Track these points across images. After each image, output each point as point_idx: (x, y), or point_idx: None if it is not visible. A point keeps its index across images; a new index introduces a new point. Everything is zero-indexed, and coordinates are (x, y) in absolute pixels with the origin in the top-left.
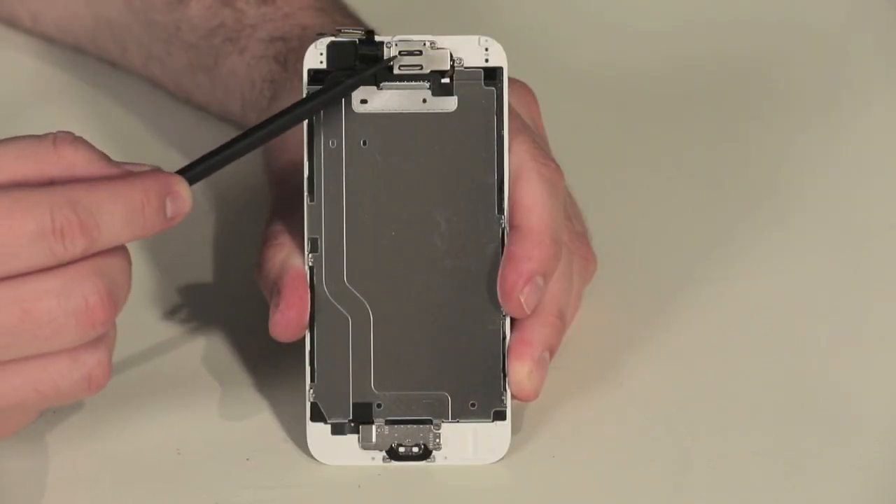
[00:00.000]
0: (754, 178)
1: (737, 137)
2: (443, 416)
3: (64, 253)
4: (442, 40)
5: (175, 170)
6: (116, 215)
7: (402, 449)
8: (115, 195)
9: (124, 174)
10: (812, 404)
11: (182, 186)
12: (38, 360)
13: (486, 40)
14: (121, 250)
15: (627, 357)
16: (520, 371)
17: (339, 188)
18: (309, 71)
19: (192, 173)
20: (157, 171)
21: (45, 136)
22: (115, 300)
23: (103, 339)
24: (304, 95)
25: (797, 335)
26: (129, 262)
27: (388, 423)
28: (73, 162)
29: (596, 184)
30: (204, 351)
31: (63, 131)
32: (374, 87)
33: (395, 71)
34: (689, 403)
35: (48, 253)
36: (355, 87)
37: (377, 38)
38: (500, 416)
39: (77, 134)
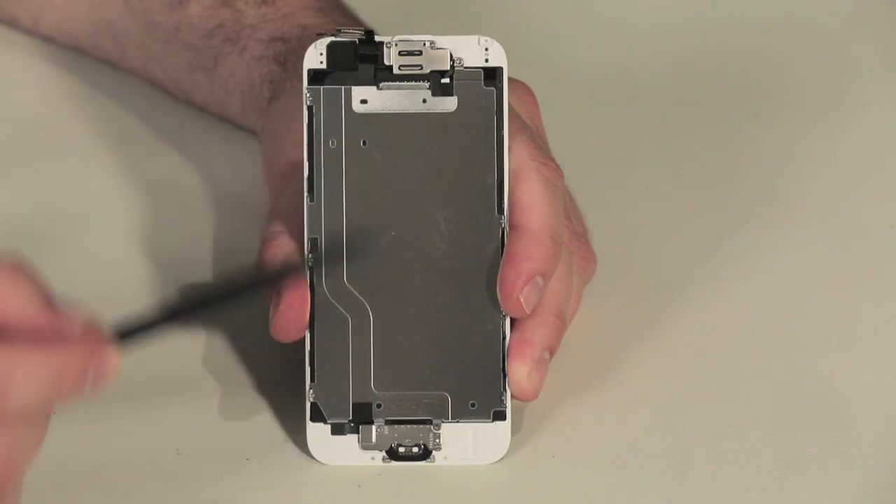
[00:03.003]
0: (754, 178)
1: (736, 137)
2: (443, 416)
3: None
4: (442, 40)
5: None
6: (31, 383)
7: (401, 449)
8: (35, 362)
9: (56, 327)
10: (812, 404)
11: (111, 357)
12: None
13: (486, 40)
14: (34, 416)
15: (627, 357)
16: (520, 371)
17: (339, 188)
18: (309, 71)
19: (126, 339)
20: (90, 329)
21: None
22: (10, 472)
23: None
24: (304, 96)
25: (797, 335)
26: (43, 428)
27: (388, 423)
28: (7, 296)
29: (596, 184)
30: (204, 351)
31: (10, 258)
32: (374, 87)
33: (395, 71)
34: (689, 403)
35: None
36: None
37: (377, 38)
38: (499, 416)
39: (24, 264)
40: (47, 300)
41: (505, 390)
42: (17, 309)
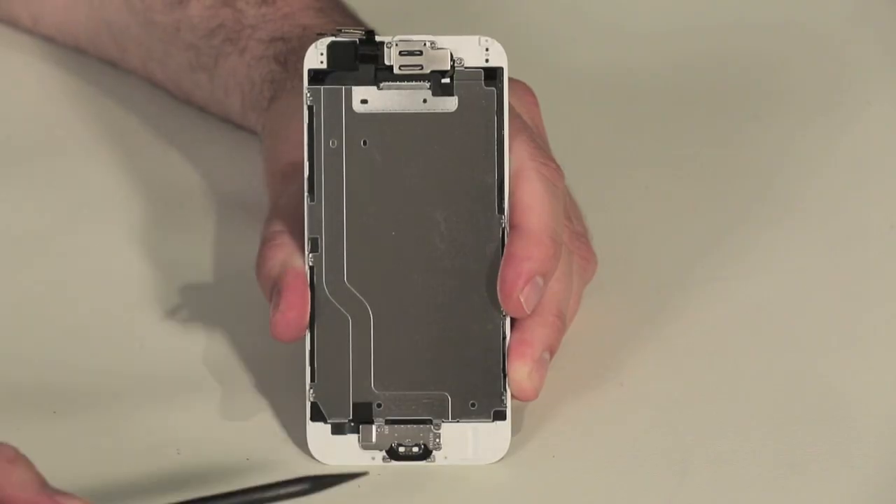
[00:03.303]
0: (754, 178)
1: (736, 137)
2: (443, 416)
3: None
4: (442, 40)
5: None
6: None
7: (402, 449)
8: None
9: None
10: (812, 404)
11: None
12: None
13: (487, 40)
14: None
15: (627, 357)
16: (520, 371)
17: (339, 188)
18: (309, 71)
19: None
20: None
21: None
22: None
23: None
24: (305, 96)
25: (797, 335)
26: None
27: (388, 422)
28: (7, 474)
29: (596, 184)
30: (204, 351)
31: (7, 445)
32: (375, 87)
33: (396, 71)
34: (689, 403)
35: None
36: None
37: (377, 38)
38: (500, 416)
39: (20, 450)
40: (43, 485)
41: (505, 390)
42: (16, 487)
